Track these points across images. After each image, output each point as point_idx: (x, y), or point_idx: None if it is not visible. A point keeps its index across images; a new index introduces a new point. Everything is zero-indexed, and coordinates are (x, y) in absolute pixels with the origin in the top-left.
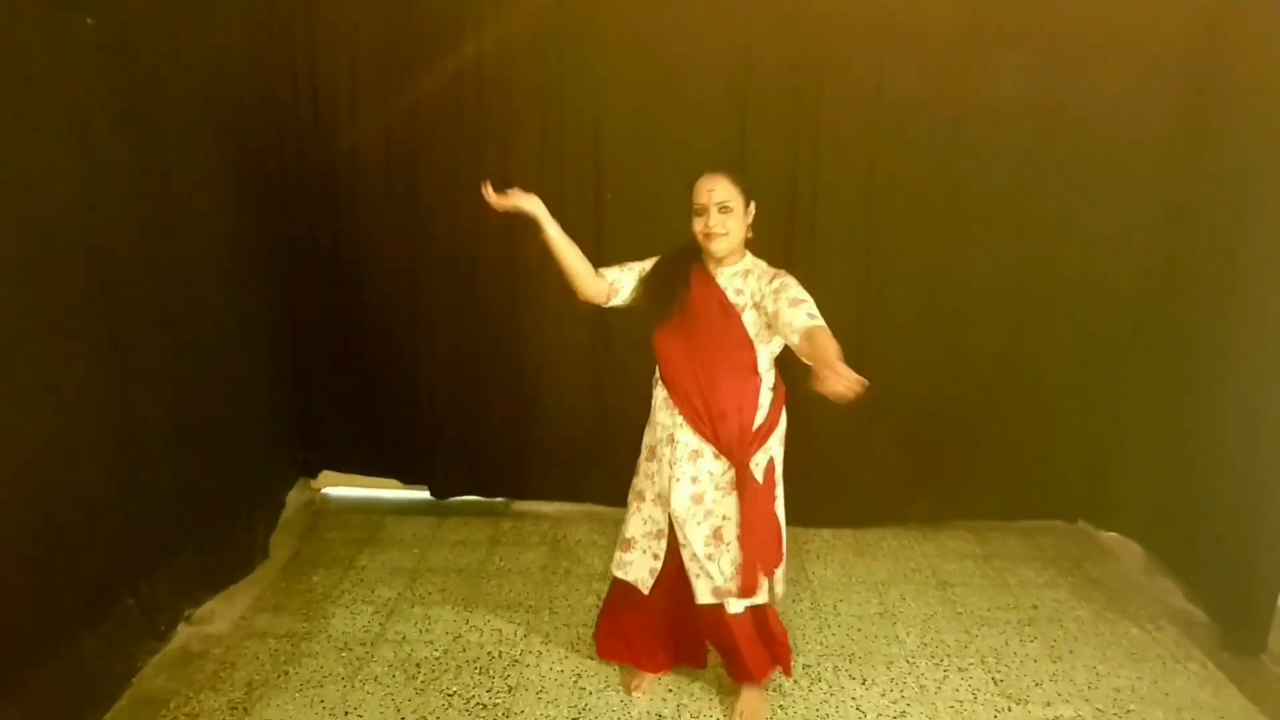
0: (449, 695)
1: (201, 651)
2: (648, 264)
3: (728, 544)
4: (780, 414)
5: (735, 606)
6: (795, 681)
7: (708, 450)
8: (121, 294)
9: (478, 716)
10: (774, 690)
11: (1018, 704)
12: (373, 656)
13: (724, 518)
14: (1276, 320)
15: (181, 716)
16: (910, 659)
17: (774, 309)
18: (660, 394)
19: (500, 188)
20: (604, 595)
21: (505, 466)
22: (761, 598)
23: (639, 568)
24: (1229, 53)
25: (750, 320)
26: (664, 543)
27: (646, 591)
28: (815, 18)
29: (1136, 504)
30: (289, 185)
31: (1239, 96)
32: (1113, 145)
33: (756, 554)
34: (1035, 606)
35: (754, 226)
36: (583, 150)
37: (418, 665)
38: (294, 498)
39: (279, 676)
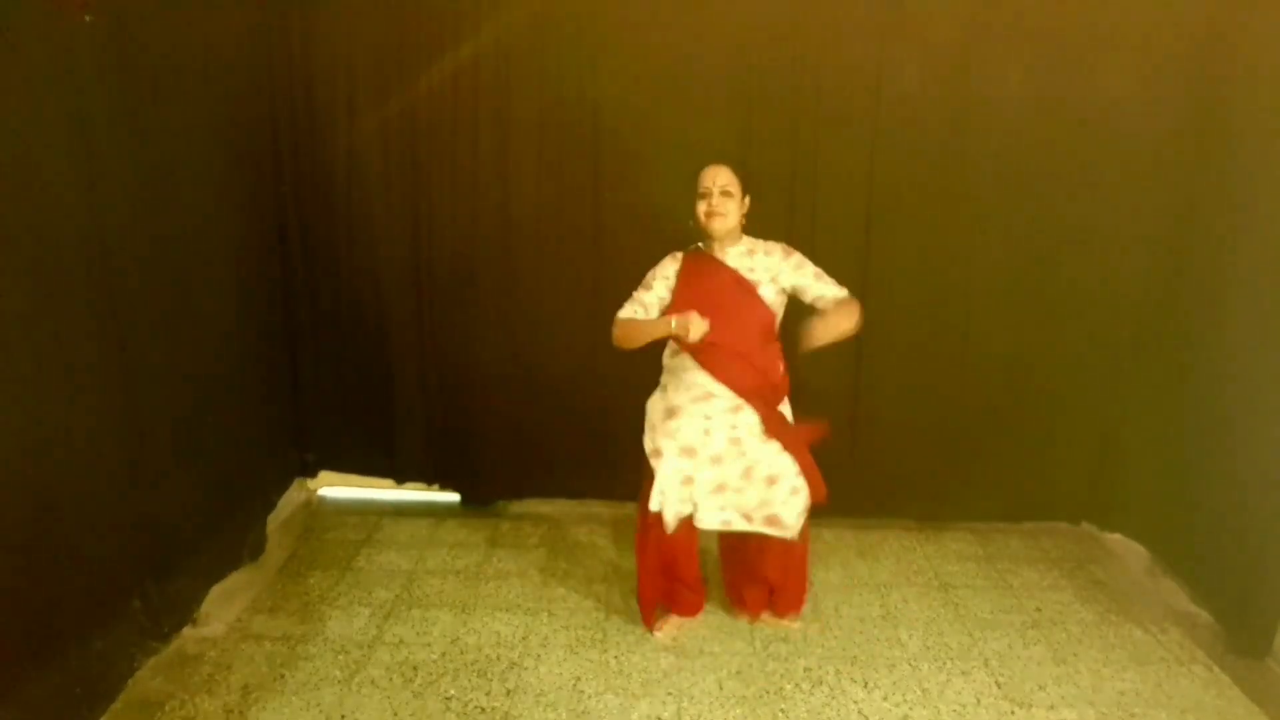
0: (447, 698)
1: (197, 654)
2: (661, 274)
3: (753, 481)
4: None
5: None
6: (797, 685)
7: (745, 405)
8: (124, 295)
9: None
10: (775, 694)
11: (1021, 707)
12: (370, 659)
13: (755, 460)
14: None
15: (177, 719)
16: (913, 662)
17: (802, 284)
18: (684, 361)
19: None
20: (606, 596)
21: (505, 467)
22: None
23: (670, 510)
24: (1233, 53)
25: (769, 294)
26: (689, 490)
27: (670, 530)
28: (815, 17)
29: (1140, 505)
30: (288, 185)
31: (1243, 97)
32: (1115, 145)
33: (813, 472)
34: (1039, 609)
35: (755, 225)
36: (583, 150)
37: (415, 668)
38: (291, 498)
39: (275, 679)
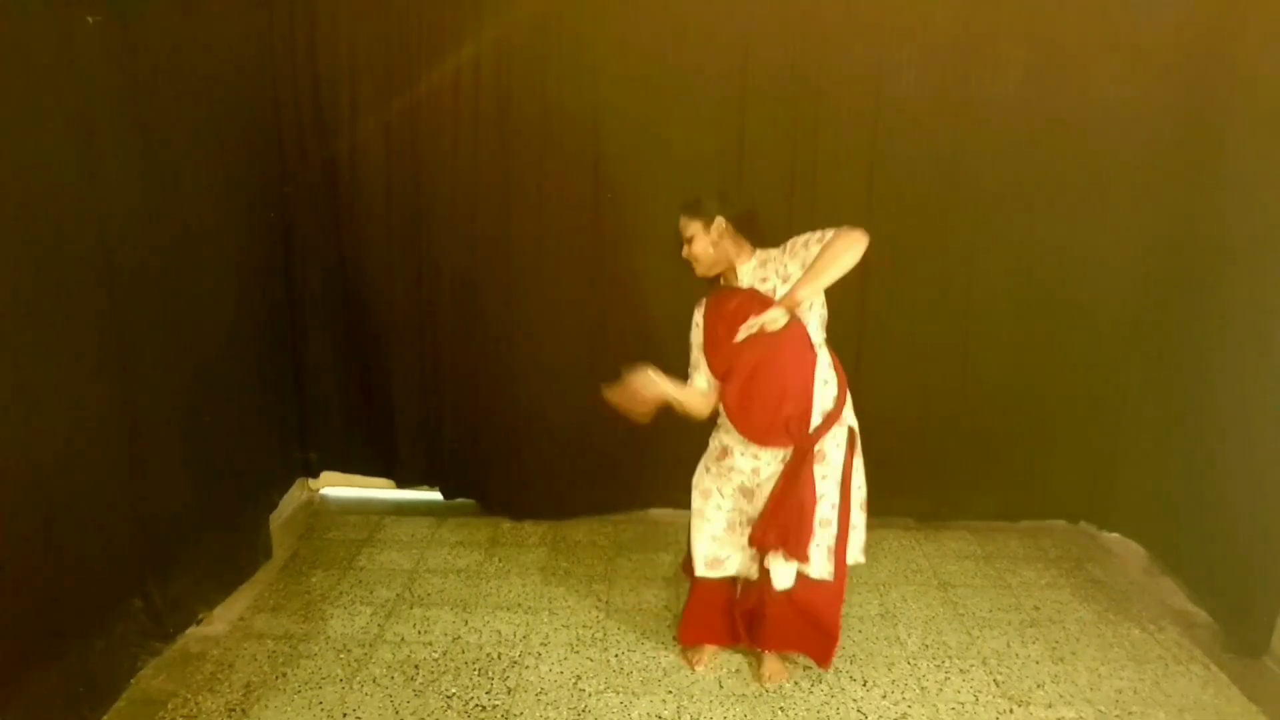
0: (448, 697)
1: (199, 653)
2: (693, 331)
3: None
4: (846, 397)
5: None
6: (796, 683)
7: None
8: (126, 294)
9: (477, 718)
10: (774, 692)
11: (1019, 705)
12: (371, 658)
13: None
14: (1276, 321)
15: (179, 718)
16: (911, 660)
17: (805, 262)
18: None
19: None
20: (606, 595)
21: (506, 469)
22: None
23: (736, 562)
24: (1230, 59)
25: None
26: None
27: (756, 577)
28: (815, 19)
29: (1138, 505)
30: (289, 185)
31: (1239, 100)
32: (1113, 148)
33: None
34: (1037, 607)
35: (752, 229)
36: (583, 150)
37: (417, 667)
38: (293, 498)
39: (277, 678)
